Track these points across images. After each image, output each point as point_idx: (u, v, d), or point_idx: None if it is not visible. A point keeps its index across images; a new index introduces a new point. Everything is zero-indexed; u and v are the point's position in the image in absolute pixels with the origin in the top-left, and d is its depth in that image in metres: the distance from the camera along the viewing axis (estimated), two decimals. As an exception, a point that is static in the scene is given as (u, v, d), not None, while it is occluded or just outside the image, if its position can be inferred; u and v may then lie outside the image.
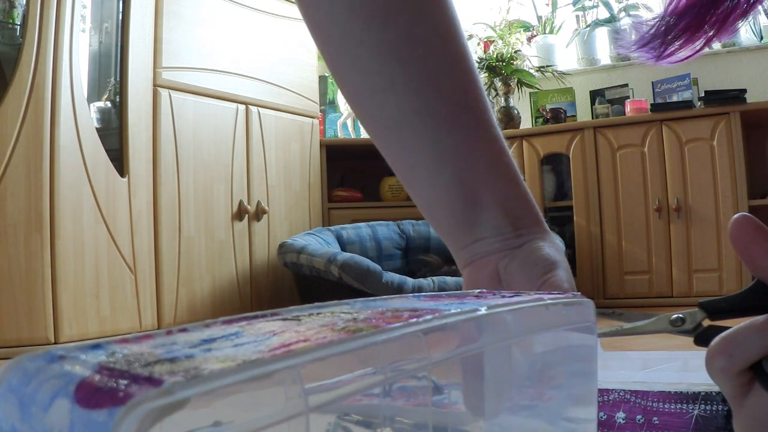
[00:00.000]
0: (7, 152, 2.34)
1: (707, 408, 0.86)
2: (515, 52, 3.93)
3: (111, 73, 2.80)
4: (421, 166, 0.51)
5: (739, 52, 3.66)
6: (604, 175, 3.50)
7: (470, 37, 4.06)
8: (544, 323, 0.36)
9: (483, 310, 0.31)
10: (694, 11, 0.61)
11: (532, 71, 3.97)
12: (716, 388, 0.75)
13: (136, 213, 2.72)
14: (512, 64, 3.90)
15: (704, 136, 3.31)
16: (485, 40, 4.07)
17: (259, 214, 3.27)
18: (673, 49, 0.64)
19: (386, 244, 3.44)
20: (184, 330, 0.24)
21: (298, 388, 0.20)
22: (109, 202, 2.61)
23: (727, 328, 0.37)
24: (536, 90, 3.98)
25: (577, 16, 4.17)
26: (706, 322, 0.41)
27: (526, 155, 3.69)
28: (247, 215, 3.21)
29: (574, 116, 3.92)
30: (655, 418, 1.03)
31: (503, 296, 0.36)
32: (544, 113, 3.91)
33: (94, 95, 2.76)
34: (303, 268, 2.94)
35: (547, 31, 4.18)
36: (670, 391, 0.98)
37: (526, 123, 4.06)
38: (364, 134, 3.67)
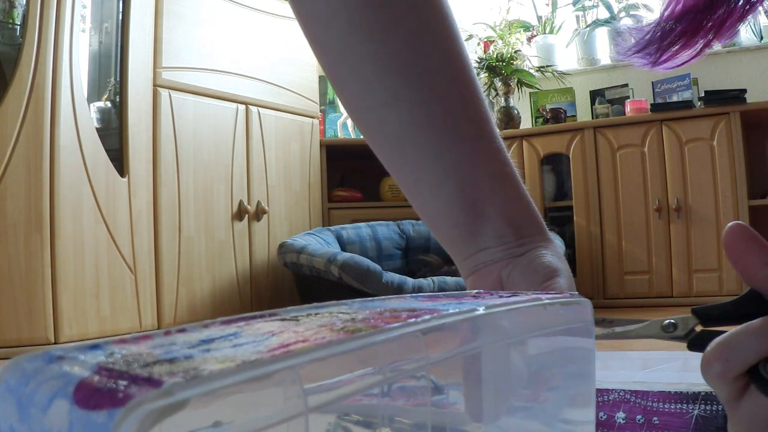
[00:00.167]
0: (7, 152, 2.34)
1: (707, 408, 0.86)
2: (515, 52, 3.93)
3: (111, 73, 2.80)
4: (423, 178, 0.51)
5: (739, 52, 3.66)
6: (604, 175, 3.50)
7: (470, 37, 4.06)
8: (542, 323, 0.36)
9: (481, 310, 0.31)
10: (691, 16, 0.61)
11: (532, 71, 3.97)
12: (716, 388, 0.75)
13: (136, 213, 2.72)
14: (512, 64, 3.90)
15: (704, 136, 3.31)
16: (485, 40, 4.07)
17: (259, 214, 3.27)
18: (669, 54, 0.64)
19: (386, 244, 3.44)
20: (182, 330, 0.24)
21: (297, 388, 0.20)
22: (109, 202, 2.61)
23: (721, 332, 0.37)
24: (536, 90, 3.98)
25: (577, 16, 4.17)
26: (698, 329, 0.41)
27: (526, 155, 3.69)
28: (247, 215, 3.21)
29: (574, 116, 3.92)
30: (655, 418, 1.03)
31: (501, 296, 0.36)
32: (544, 113, 3.91)
33: (94, 95, 2.76)
34: (303, 268, 2.94)
35: (547, 31, 4.17)
36: (670, 391, 0.98)
37: (526, 123, 4.06)
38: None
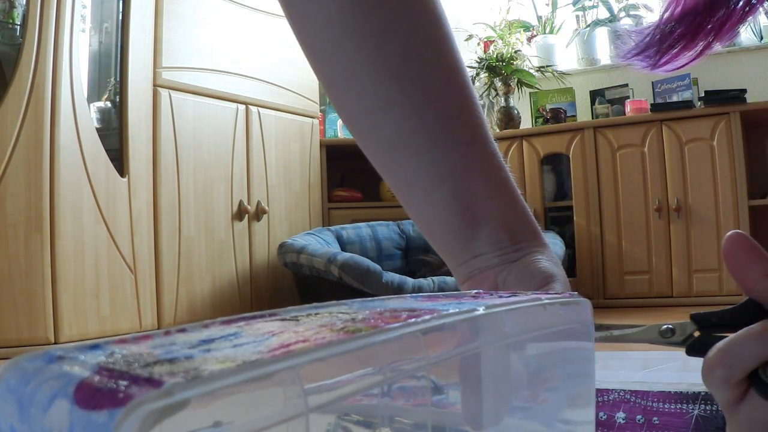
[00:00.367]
0: (7, 152, 2.34)
1: (707, 408, 0.86)
2: (515, 52, 3.93)
3: (111, 73, 2.80)
4: (418, 184, 0.51)
5: (739, 52, 3.66)
6: (604, 175, 3.50)
7: (470, 37, 4.06)
8: (542, 323, 0.36)
9: (481, 310, 0.31)
10: (690, 18, 0.61)
11: (532, 71, 3.97)
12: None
13: (136, 213, 2.72)
14: (512, 64, 3.90)
15: (704, 136, 3.31)
16: (485, 40, 4.07)
17: (259, 214, 3.27)
18: (669, 56, 0.63)
19: (386, 244, 3.44)
20: (182, 330, 0.24)
21: (297, 388, 0.20)
22: (109, 202, 2.61)
23: (720, 338, 0.37)
24: (536, 90, 3.98)
25: (577, 16, 4.17)
26: (696, 334, 0.41)
27: (526, 155, 3.69)
28: (247, 215, 3.21)
29: (574, 116, 3.92)
30: (655, 418, 1.03)
31: (500, 296, 0.36)
32: (544, 113, 3.91)
33: (94, 95, 2.76)
34: (303, 268, 2.94)
35: (547, 31, 4.18)
36: (670, 391, 0.98)
37: (526, 123, 4.06)
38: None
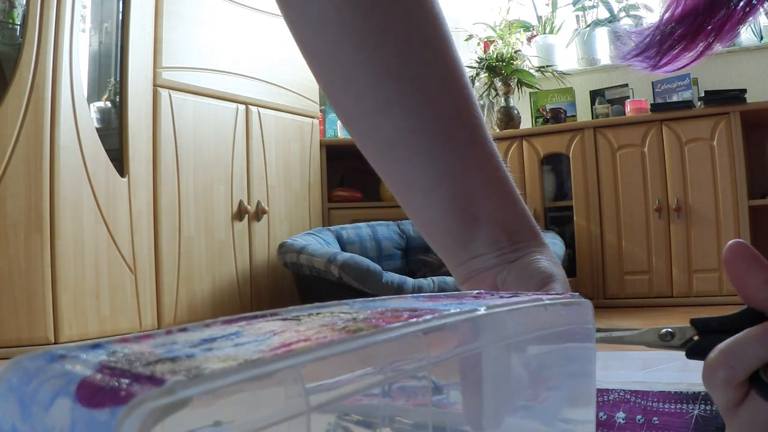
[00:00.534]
0: (7, 152, 2.34)
1: (707, 408, 0.86)
2: (515, 52, 3.93)
3: (111, 73, 2.80)
4: (417, 185, 0.51)
5: (739, 52, 3.66)
6: (604, 175, 3.50)
7: (470, 37, 4.06)
8: (544, 323, 0.37)
9: (482, 310, 0.31)
10: (691, 19, 0.61)
11: (532, 71, 3.97)
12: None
13: (136, 213, 2.72)
14: (512, 64, 3.90)
15: (704, 136, 3.31)
16: (485, 40, 4.07)
17: (259, 214, 3.27)
18: (669, 57, 0.63)
19: (386, 244, 3.44)
20: (184, 330, 0.24)
21: (299, 387, 0.20)
22: (109, 202, 2.61)
23: (719, 340, 0.37)
24: (536, 90, 3.99)
25: (577, 16, 4.17)
26: (696, 338, 0.41)
27: (526, 155, 3.69)
28: (247, 215, 3.21)
29: (574, 116, 3.92)
30: (655, 418, 1.03)
31: (501, 297, 0.36)
32: (544, 113, 3.91)
33: (94, 95, 2.76)
34: (303, 268, 2.94)
35: (547, 31, 4.18)
36: (670, 391, 0.98)
37: (526, 123, 4.06)
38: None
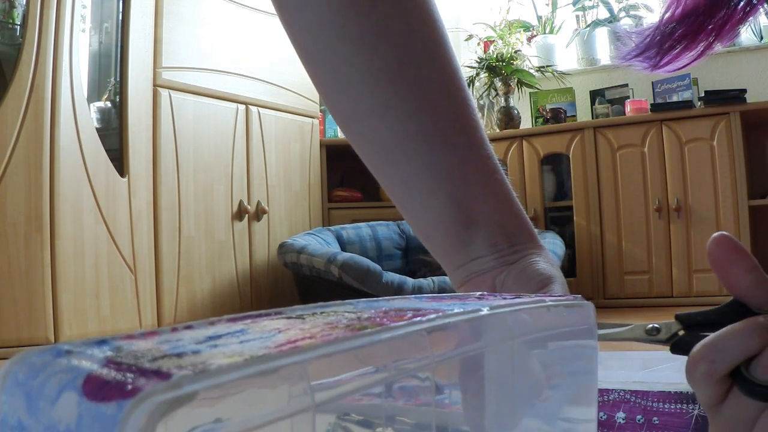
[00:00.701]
0: (7, 152, 2.34)
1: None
2: (515, 52, 3.94)
3: (111, 73, 2.80)
4: (414, 188, 0.51)
5: (739, 52, 3.67)
6: (604, 175, 3.50)
7: (470, 37, 4.07)
8: (546, 324, 0.37)
9: (486, 311, 0.31)
10: (691, 19, 0.61)
11: (532, 71, 3.97)
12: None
13: (136, 213, 2.72)
14: (512, 64, 3.90)
15: (704, 136, 3.31)
16: (485, 40, 4.07)
17: (259, 214, 3.27)
18: (670, 57, 0.64)
19: (386, 244, 3.44)
20: (189, 327, 0.24)
21: (304, 384, 0.20)
22: (109, 202, 2.61)
23: (704, 335, 0.37)
24: (536, 90, 3.99)
25: (577, 16, 4.18)
26: (681, 333, 0.41)
27: (526, 155, 3.69)
28: (247, 215, 3.21)
29: (574, 116, 3.92)
30: (655, 418, 1.03)
31: (504, 298, 0.36)
32: (544, 113, 3.91)
33: (94, 95, 2.76)
34: (303, 268, 2.94)
35: (547, 31, 4.18)
36: (670, 391, 0.98)
37: (526, 123, 4.06)
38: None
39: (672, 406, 1.01)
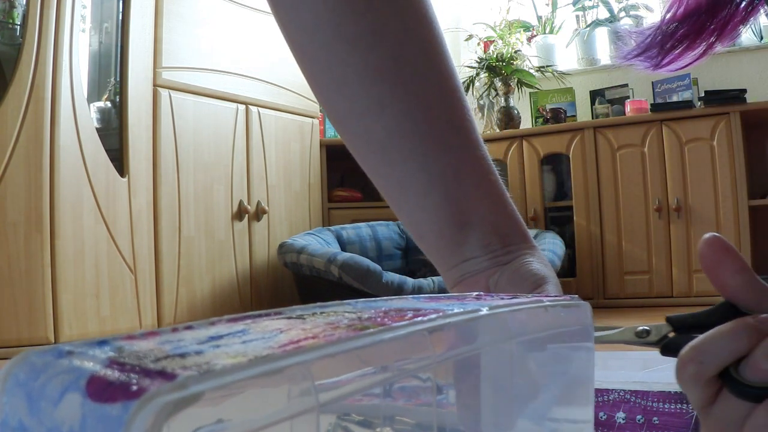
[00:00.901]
0: (7, 152, 2.34)
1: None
2: (515, 52, 3.93)
3: (111, 73, 2.80)
4: (409, 188, 0.51)
5: (739, 52, 3.67)
6: (604, 175, 3.50)
7: (470, 37, 4.07)
8: (544, 324, 0.37)
9: (485, 311, 0.31)
10: (693, 18, 0.61)
11: (532, 71, 3.97)
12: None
13: (136, 213, 2.72)
14: (512, 64, 3.90)
15: (704, 136, 3.31)
16: (485, 40, 4.07)
17: (259, 214, 3.27)
18: (671, 57, 0.64)
19: (386, 244, 3.44)
20: (189, 327, 0.24)
21: (308, 384, 0.20)
22: (109, 202, 2.61)
23: (693, 337, 0.37)
24: (536, 90, 3.99)
25: (577, 16, 4.17)
26: (672, 335, 0.41)
27: (526, 155, 3.69)
28: (247, 215, 3.21)
29: (574, 116, 3.92)
30: (655, 418, 1.03)
31: (502, 298, 0.36)
32: (544, 113, 3.91)
33: (94, 95, 2.76)
34: (303, 268, 2.94)
35: (547, 31, 4.18)
36: (670, 391, 0.98)
37: (526, 123, 4.06)
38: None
39: (672, 406, 1.02)
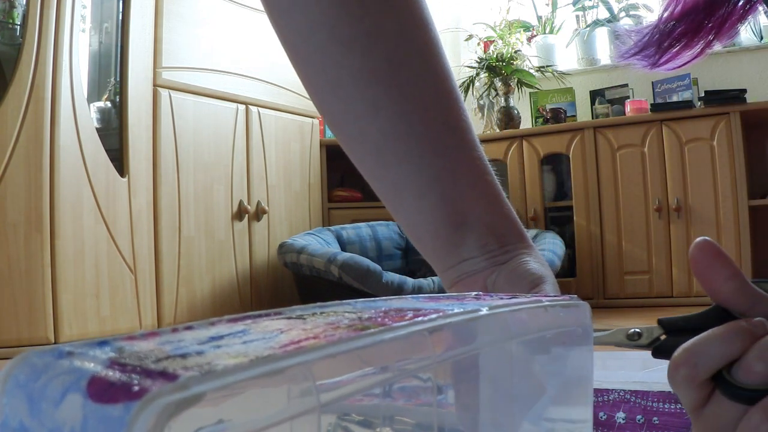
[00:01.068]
0: (7, 152, 2.34)
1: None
2: (515, 52, 3.93)
3: (111, 73, 2.80)
4: (405, 190, 0.51)
5: (739, 52, 3.67)
6: (604, 175, 3.50)
7: (470, 37, 4.07)
8: (543, 324, 0.37)
9: (485, 311, 0.31)
10: (690, 17, 0.61)
11: (532, 71, 3.97)
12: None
13: (136, 213, 2.72)
14: (512, 64, 3.90)
15: (704, 136, 3.31)
16: (485, 40, 4.07)
17: (259, 214, 3.27)
18: (669, 55, 0.64)
19: (386, 244, 3.44)
20: (189, 328, 0.24)
21: (309, 384, 0.20)
22: (109, 202, 2.61)
23: (685, 339, 0.38)
24: (536, 90, 3.99)
25: (577, 16, 4.17)
26: (663, 338, 0.41)
27: (526, 155, 3.69)
28: (247, 215, 3.21)
29: (574, 116, 3.92)
30: (655, 418, 1.03)
31: (501, 298, 0.37)
32: (544, 113, 3.91)
33: (94, 95, 2.76)
34: (303, 268, 2.94)
35: (547, 31, 4.18)
36: (670, 391, 0.98)
37: (526, 123, 4.06)
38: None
39: (672, 406, 1.02)
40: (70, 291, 2.46)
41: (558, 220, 3.73)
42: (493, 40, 4.05)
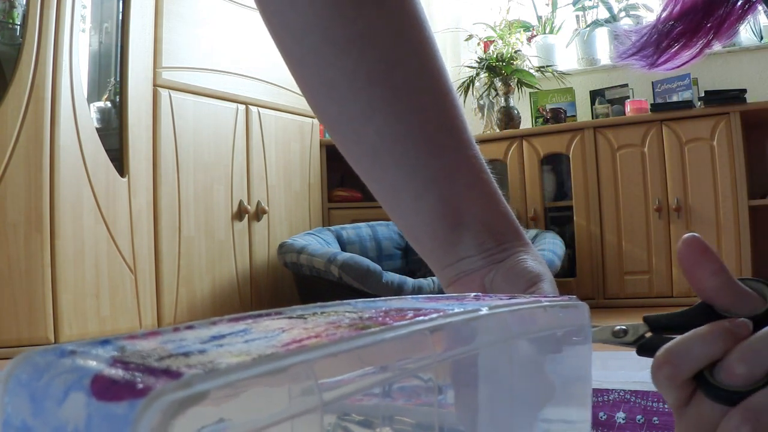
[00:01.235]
0: (7, 152, 2.34)
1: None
2: (515, 52, 3.93)
3: (111, 73, 2.80)
4: (402, 191, 0.51)
5: (739, 52, 3.67)
6: (604, 175, 3.50)
7: (470, 37, 4.07)
8: (542, 324, 0.37)
9: (485, 311, 0.31)
10: (689, 17, 0.61)
11: (532, 71, 3.97)
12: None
13: (136, 213, 2.72)
14: (512, 64, 3.90)
15: (704, 136, 3.31)
16: (485, 40, 4.07)
17: (259, 214, 3.27)
18: (668, 55, 0.64)
19: (386, 244, 3.44)
20: (190, 327, 0.24)
21: (312, 383, 0.20)
22: (109, 202, 2.61)
23: (670, 338, 0.38)
24: (536, 90, 3.99)
25: (577, 16, 4.18)
26: (648, 335, 0.41)
27: (526, 155, 3.69)
28: (247, 215, 3.21)
29: (574, 116, 3.92)
30: (655, 418, 1.03)
31: (501, 298, 0.37)
32: (544, 113, 3.91)
33: (94, 95, 2.76)
34: (303, 268, 2.94)
35: (547, 31, 4.18)
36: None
37: (526, 123, 4.06)
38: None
39: (672, 406, 1.01)
40: (70, 291, 2.46)
41: (558, 220, 3.73)
42: (493, 40, 4.05)
